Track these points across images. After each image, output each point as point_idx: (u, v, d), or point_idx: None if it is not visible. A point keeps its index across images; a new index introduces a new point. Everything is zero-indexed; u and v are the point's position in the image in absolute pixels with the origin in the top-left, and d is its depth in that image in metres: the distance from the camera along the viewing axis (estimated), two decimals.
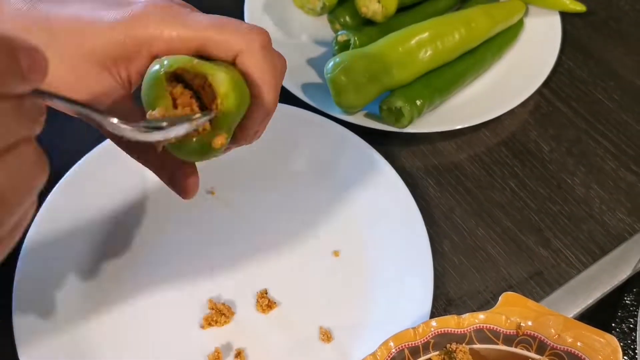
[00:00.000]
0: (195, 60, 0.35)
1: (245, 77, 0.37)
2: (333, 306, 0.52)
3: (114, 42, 0.36)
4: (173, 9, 0.37)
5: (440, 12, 0.65)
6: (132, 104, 0.38)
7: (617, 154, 0.62)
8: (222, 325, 0.50)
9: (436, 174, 0.60)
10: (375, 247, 0.54)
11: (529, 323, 0.43)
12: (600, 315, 0.55)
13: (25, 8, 0.37)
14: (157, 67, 0.35)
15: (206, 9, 0.73)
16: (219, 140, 0.36)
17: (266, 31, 0.38)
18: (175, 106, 0.36)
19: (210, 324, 0.50)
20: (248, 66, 0.37)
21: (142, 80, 0.37)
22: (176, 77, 0.36)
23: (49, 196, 0.54)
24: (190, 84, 0.36)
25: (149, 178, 0.56)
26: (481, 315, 0.43)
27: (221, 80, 0.35)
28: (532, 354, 0.43)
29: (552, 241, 0.57)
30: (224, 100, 0.35)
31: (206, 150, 0.36)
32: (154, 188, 0.56)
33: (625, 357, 0.52)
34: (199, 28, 0.37)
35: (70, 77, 0.36)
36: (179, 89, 0.36)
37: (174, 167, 0.40)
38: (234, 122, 0.37)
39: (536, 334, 0.43)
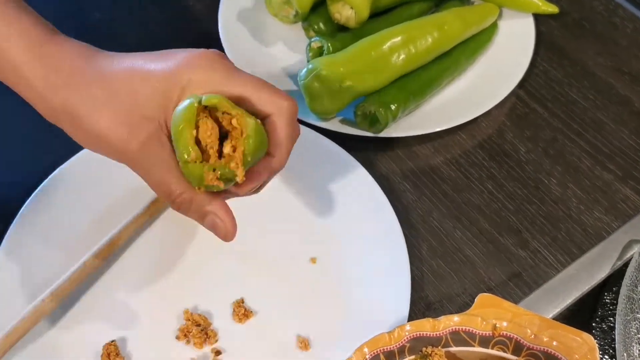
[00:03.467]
0: (229, 101, 0.39)
1: (269, 135, 0.41)
2: (310, 314, 0.51)
3: (163, 92, 0.40)
4: (220, 62, 0.41)
5: (414, 17, 0.65)
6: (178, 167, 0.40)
7: (593, 153, 0.62)
8: (198, 336, 0.49)
9: (413, 177, 0.60)
10: (352, 253, 0.54)
11: (505, 324, 0.43)
12: (580, 315, 0.55)
13: (84, 65, 0.41)
14: (191, 99, 0.38)
15: (181, 19, 0.73)
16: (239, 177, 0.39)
17: (296, 102, 0.43)
18: (197, 140, 0.38)
19: (186, 335, 0.49)
20: (275, 127, 0.41)
21: None
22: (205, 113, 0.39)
23: (21, 209, 0.53)
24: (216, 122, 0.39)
25: (123, 190, 0.55)
26: (456, 318, 0.43)
27: (248, 123, 0.38)
28: (508, 355, 0.43)
29: (530, 242, 0.57)
30: (246, 140, 0.38)
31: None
32: (127, 200, 0.55)
33: (606, 356, 0.52)
34: (239, 84, 0.40)
35: (124, 130, 0.39)
36: (209, 122, 0.38)
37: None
38: (247, 165, 0.40)
39: (512, 334, 0.43)
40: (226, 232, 0.42)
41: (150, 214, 0.54)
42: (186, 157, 0.38)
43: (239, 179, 0.38)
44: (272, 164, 0.42)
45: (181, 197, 0.40)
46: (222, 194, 0.42)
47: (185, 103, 0.38)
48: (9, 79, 0.42)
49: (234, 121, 0.38)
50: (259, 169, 0.42)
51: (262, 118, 0.41)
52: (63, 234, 0.54)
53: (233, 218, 0.42)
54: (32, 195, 0.54)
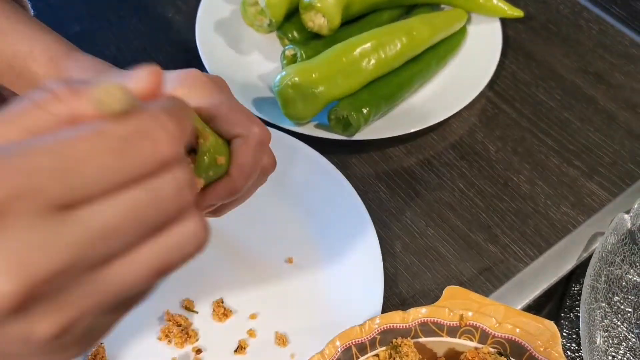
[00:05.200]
0: (196, 116, 0.39)
1: (232, 156, 0.41)
2: (288, 311, 0.53)
3: None
4: (201, 80, 0.42)
5: (384, 24, 0.67)
6: None
7: (560, 151, 0.64)
8: (180, 335, 0.51)
9: (387, 178, 0.62)
10: (327, 252, 0.56)
11: (470, 314, 0.45)
12: (549, 305, 0.57)
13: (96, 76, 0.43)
14: None
15: (160, 30, 0.75)
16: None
17: (269, 132, 0.43)
18: None
19: (167, 336, 0.51)
20: (237, 150, 0.41)
21: None
22: None
23: None
24: None
25: None
26: (424, 310, 0.45)
27: (208, 137, 0.38)
28: (475, 344, 0.45)
29: (500, 237, 0.59)
30: (204, 153, 0.38)
31: None
32: None
33: (574, 344, 0.54)
34: (215, 103, 0.41)
35: None
36: None
37: None
38: (203, 178, 0.39)
39: (478, 324, 0.45)
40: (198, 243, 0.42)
41: None
42: None
43: (219, 160, 0.39)
44: (227, 184, 0.41)
45: None
46: None
47: None
48: (25, 88, 0.45)
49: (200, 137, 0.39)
50: (215, 186, 0.41)
51: (231, 139, 0.42)
52: None
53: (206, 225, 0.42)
54: None
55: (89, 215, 0.23)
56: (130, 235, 0.24)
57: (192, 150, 0.39)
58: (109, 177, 0.24)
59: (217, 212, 0.45)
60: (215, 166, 0.39)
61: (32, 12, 0.49)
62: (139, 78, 0.26)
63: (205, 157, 0.38)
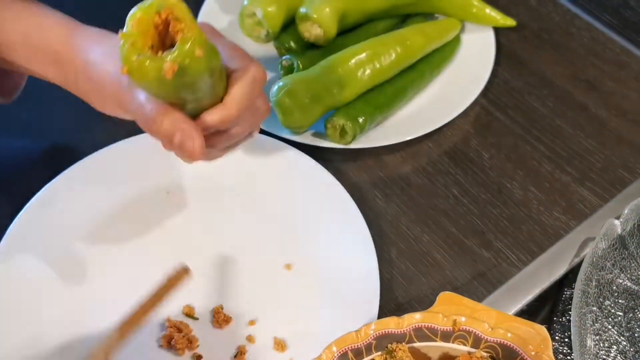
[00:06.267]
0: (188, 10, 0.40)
1: (227, 88, 0.45)
2: (286, 317, 0.54)
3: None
4: (207, 26, 0.47)
5: (379, 34, 0.69)
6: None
7: (552, 157, 0.65)
8: (180, 342, 0.52)
9: (382, 186, 0.64)
10: (324, 259, 0.57)
11: (464, 319, 0.46)
12: (542, 310, 0.58)
13: (103, 37, 0.49)
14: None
15: None
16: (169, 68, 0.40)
17: (265, 74, 0.47)
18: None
19: (169, 342, 0.52)
20: (233, 81, 0.45)
21: None
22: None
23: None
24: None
25: (108, 203, 0.59)
26: (418, 315, 0.46)
27: (194, 31, 0.40)
28: (468, 348, 0.46)
29: (493, 243, 0.60)
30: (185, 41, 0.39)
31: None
32: (112, 212, 0.58)
33: (566, 348, 0.55)
34: (218, 42, 0.44)
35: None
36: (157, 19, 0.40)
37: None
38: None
39: (471, 329, 0.46)
40: (192, 151, 0.44)
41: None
42: (128, 35, 0.40)
43: (198, 52, 0.40)
44: (221, 110, 0.44)
45: (156, 110, 0.43)
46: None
47: (141, 4, 0.41)
48: (43, 57, 0.49)
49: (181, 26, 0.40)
50: (210, 111, 0.44)
51: (230, 73, 0.45)
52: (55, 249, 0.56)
53: (203, 139, 0.44)
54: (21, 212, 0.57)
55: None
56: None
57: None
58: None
59: (210, 145, 0.47)
60: (193, 58, 0.40)
61: None
62: None
63: (186, 45, 0.39)
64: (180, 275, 0.51)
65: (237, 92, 0.44)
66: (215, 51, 0.42)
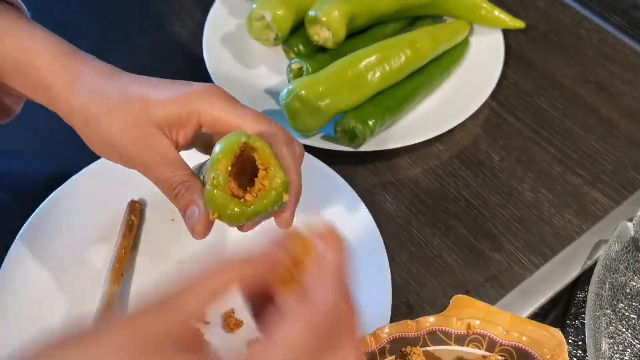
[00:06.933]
0: (270, 149, 0.41)
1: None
2: None
3: (171, 112, 0.44)
4: (224, 95, 0.45)
5: (388, 36, 0.69)
6: (178, 157, 0.45)
7: (563, 159, 0.65)
8: None
9: (392, 189, 0.63)
10: None
11: (478, 322, 0.46)
12: (555, 313, 0.58)
13: (105, 78, 0.45)
14: (239, 133, 0.41)
15: (168, 46, 0.76)
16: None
17: (286, 131, 0.45)
18: (230, 173, 0.41)
19: None
20: (280, 155, 0.43)
21: (188, 144, 0.45)
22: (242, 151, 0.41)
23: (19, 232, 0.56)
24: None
25: (111, 215, 0.58)
26: (432, 319, 0.46)
27: (277, 176, 0.41)
28: (483, 351, 0.46)
29: (505, 245, 0.60)
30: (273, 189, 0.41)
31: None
32: (115, 217, 0.58)
33: (580, 351, 0.54)
34: (240, 115, 0.44)
35: (134, 133, 0.44)
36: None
37: None
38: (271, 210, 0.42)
39: (485, 332, 0.46)
40: (200, 229, 0.44)
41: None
42: (217, 183, 0.40)
43: (285, 198, 0.41)
44: (284, 215, 0.44)
45: (180, 177, 0.43)
46: None
47: (231, 135, 0.41)
48: (29, 84, 0.46)
49: (262, 170, 0.41)
50: (275, 217, 0.44)
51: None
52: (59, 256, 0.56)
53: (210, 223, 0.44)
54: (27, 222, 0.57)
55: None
56: None
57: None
58: None
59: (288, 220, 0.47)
60: (281, 203, 0.41)
61: (28, 14, 0.50)
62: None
63: (273, 192, 0.41)
64: (133, 210, 0.55)
65: (290, 164, 0.44)
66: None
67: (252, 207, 0.41)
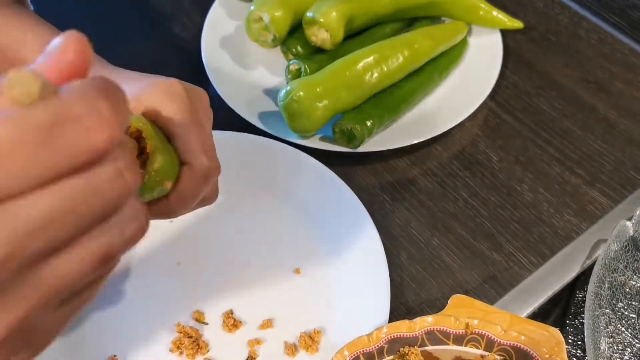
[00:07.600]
0: (154, 130, 0.39)
1: (176, 182, 0.40)
2: (296, 321, 0.54)
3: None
4: (178, 93, 0.41)
5: (387, 37, 0.69)
6: None
7: (562, 159, 0.65)
8: (191, 347, 0.52)
9: (391, 189, 0.63)
10: (334, 263, 0.57)
11: (476, 322, 0.46)
12: (554, 313, 0.57)
13: None
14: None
15: (166, 47, 0.76)
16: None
17: (219, 166, 0.42)
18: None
19: (179, 347, 0.52)
20: (182, 177, 0.40)
21: None
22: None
23: None
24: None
25: None
26: (430, 319, 0.46)
27: (161, 158, 0.38)
28: (481, 351, 0.46)
29: (504, 246, 0.60)
30: (152, 173, 0.38)
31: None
32: None
33: (579, 351, 0.54)
34: (180, 121, 0.40)
35: None
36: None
37: None
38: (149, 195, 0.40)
39: (484, 332, 0.46)
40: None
41: None
42: None
43: (167, 185, 0.39)
44: (163, 207, 0.40)
45: None
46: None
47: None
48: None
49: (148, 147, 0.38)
50: (151, 206, 0.40)
51: (182, 163, 0.41)
52: None
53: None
54: None
55: (20, 209, 0.22)
56: (68, 227, 0.23)
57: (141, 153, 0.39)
58: (35, 171, 0.22)
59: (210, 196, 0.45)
60: (160, 189, 0.39)
61: (31, 7, 0.50)
62: (61, 49, 0.25)
63: (152, 177, 0.37)
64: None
65: (184, 193, 0.40)
66: (177, 167, 0.40)
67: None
